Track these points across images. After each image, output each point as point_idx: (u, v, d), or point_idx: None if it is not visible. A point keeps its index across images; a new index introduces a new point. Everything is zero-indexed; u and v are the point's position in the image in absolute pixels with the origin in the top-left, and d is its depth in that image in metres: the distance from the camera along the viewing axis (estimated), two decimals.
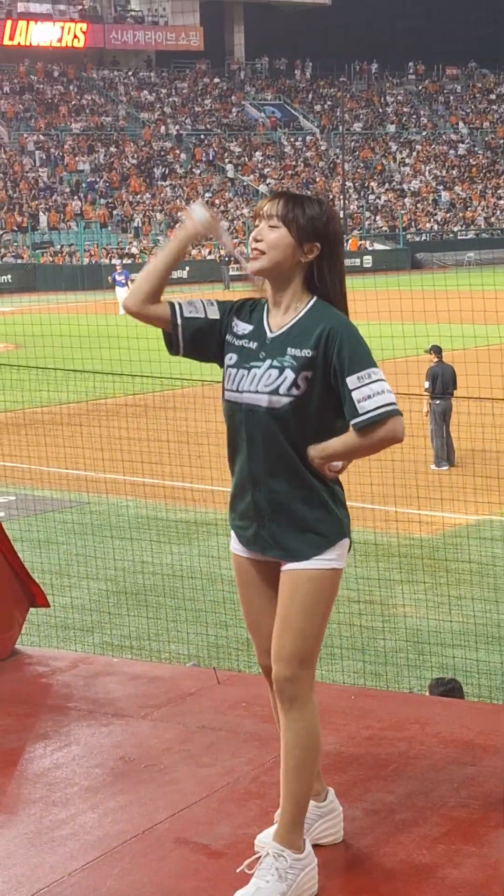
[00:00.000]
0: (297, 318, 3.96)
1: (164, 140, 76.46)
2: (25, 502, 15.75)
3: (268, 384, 3.92)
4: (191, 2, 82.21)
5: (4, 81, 76.49)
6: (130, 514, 15.38)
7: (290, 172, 75.68)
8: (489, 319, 20.32)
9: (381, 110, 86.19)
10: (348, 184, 72.82)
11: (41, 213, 65.93)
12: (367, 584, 12.06)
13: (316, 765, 4.08)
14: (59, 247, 62.33)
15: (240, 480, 4.05)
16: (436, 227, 73.70)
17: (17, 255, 61.44)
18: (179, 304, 4.06)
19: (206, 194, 71.26)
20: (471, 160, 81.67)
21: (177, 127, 77.86)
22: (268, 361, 3.94)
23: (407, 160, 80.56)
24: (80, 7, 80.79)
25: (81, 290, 52.13)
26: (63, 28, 78.37)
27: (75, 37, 78.83)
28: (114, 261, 53.39)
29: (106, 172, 71.44)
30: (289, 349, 3.92)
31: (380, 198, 75.66)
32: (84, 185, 69.28)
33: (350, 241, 62.40)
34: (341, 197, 68.36)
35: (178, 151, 75.71)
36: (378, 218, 73.04)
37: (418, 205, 75.58)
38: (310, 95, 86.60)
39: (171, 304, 4.05)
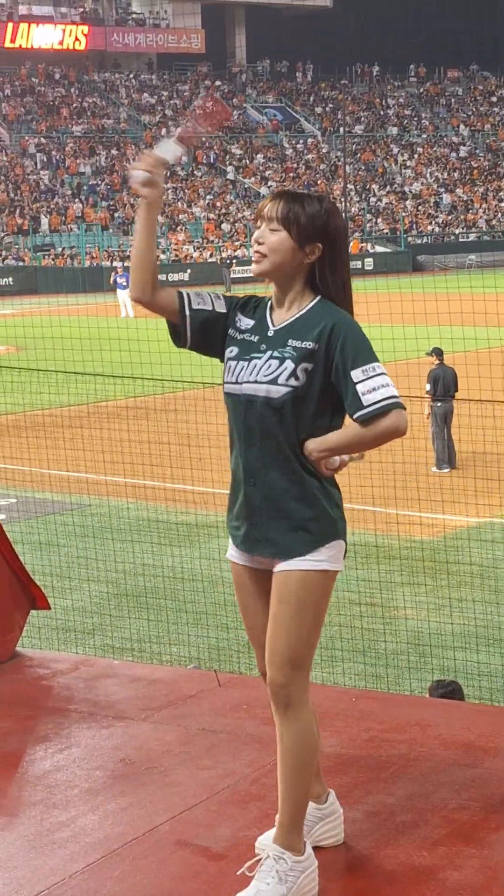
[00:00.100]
0: (299, 314, 3.97)
1: None
2: (26, 505, 15.75)
3: (267, 374, 3.92)
4: (192, 4, 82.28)
5: (6, 84, 76.53)
6: (131, 517, 15.38)
7: (291, 175, 75.71)
8: (490, 322, 20.33)
9: (382, 113, 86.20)
10: (349, 186, 72.83)
11: (42, 216, 65.96)
12: (368, 586, 12.06)
13: (313, 768, 4.06)
14: (60, 249, 62.36)
15: (235, 476, 4.04)
16: (437, 229, 73.70)
17: (18, 257, 61.46)
18: (188, 295, 4.07)
19: (208, 196, 71.31)
20: (472, 163, 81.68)
21: (178, 129, 77.86)
22: (268, 353, 3.95)
23: (408, 163, 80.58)
24: (82, 9, 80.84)
25: (83, 293, 52.15)
26: (64, 30, 78.40)
27: (76, 39, 78.86)
28: (115, 263, 53.39)
29: (107, 175, 71.47)
30: (290, 341, 3.92)
31: (381, 200, 75.68)
32: (85, 187, 69.31)
33: (351, 243, 62.38)
34: (342, 199, 68.34)
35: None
36: (379, 220, 73.05)
37: (420, 207, 75.58)
38: (311, 98, 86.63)
39: (180, 294, 4.05)
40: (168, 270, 56.78)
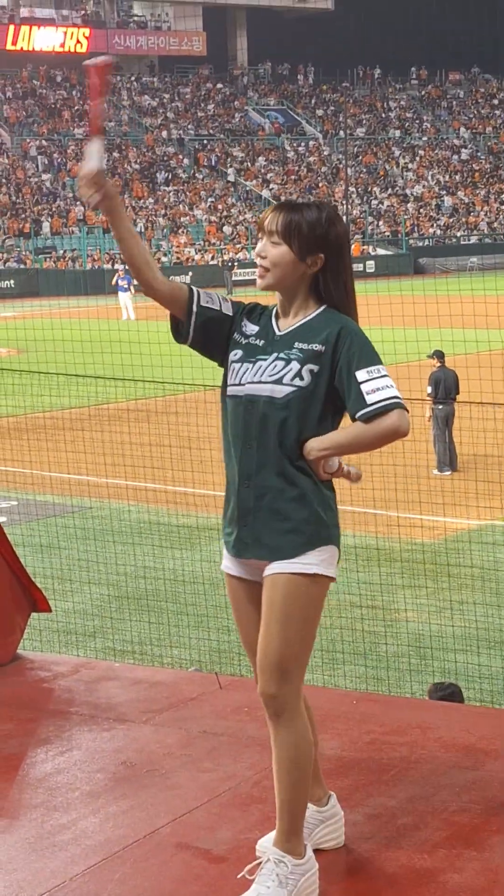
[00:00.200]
0: (304, 321, 3.99)
1: (166, 145, 76.56)
2: (28, 507, 15.76)
3: (272, 374, 3.93)
4: (194, 7, 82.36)
5: (7, 86, 76.61)
6: (132, 519, 15.38)
7: (292, 177, 75.75)
8: (491, 324, 20.34)
9: (383, 115, 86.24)
10: (351, 189, 72.87)
11: (44, 219, 65.98)
12: (369, 588, 12.06)
13: (309, 774, 4.03)
14: (61, 252, 62.39)
15: (230, 479, 4.04)
16: (438, 232, 73.73)
17: (20, 260, 61.49)
18: (198, 292, 4.06)
19: (209, 199, 71.34)
20: (473, 165, 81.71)
21: (179, 132, 77.94)
22: (274, 354, 3.97)
23: (410, 165, 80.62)
24: (83, 12, 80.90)
25: (84, 296, 52.14)
26: (66, 33, 78.44)
27: (78, 42, 78.88)
28: (116, 266, 53.39)
29: (109, 177, 71.28)
30: (296, 343, 3.94)
31: (382, 203, 75.71)
32: None
33: (353, 246, 62.38)
34: (344, 202, 68.39)
35: (180, 156, 75.80)
36: (381, 223, 73.07)
37: (421, 210, 75.61)
38: (312, 100, 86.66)
39: (190, 290, 4.05)
40: (170, 273, 56.74)
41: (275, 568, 3.93)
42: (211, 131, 79.24)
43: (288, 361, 3.92)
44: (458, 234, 73.29)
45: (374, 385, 3.83)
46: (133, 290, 42.94)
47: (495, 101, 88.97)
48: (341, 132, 77.91)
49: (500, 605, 11.75)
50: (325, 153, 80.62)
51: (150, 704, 5.75)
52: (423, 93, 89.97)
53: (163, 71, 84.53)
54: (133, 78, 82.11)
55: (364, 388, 3.83)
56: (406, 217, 72.86)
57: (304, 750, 3.98)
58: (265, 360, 3.97)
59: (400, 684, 10.16)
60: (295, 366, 3.91)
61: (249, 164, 76.54)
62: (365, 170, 79.11)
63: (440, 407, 17.89)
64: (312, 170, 78.00)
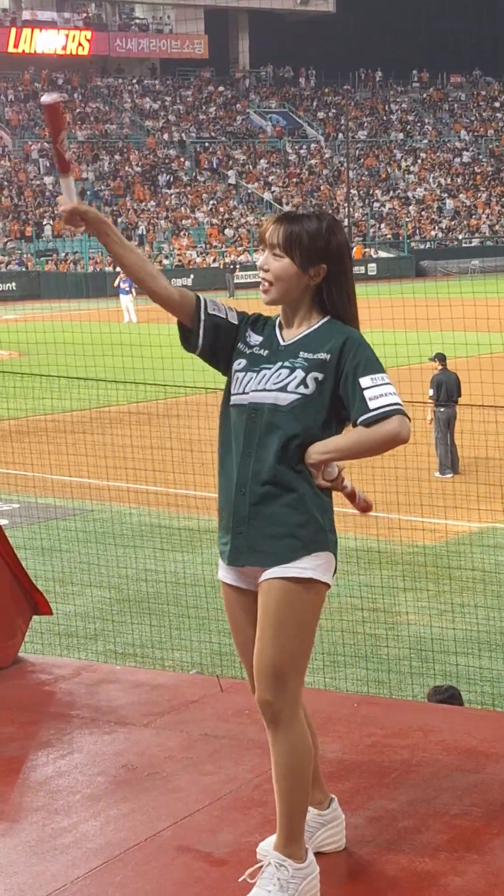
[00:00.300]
0: (309, 331, 4.03)
1: (168, 148, 76.57)
2: (29, 510, 15.76)
3: (277, 382, 3.95)
4: (195, 10, 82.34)
5: (9, 89, 76.63)
6: (134, 522, 15.39)
7: (294, 180, 75.76)
8: (493, 327, 20.36)
9: (385, 118, 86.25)
10: (353, 192, 72.85)
11: (46, 221, 66.00)
12: (370, 591, 12.06)
13: (308, 779, 4.03)
14: (63, 254, 62.42)
15: (224, 488, 4.04)
16: (440, 234, 73.72)
17: (21, 262, 61.52)
18: (205, 300, 4.09)
19: (211, 202, 71.35)
20: (475, 168, 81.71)
21: (181, 135, 77.95)
22: (279, 363, 3.99)
23: (411, 168, 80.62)
24: (85, 15, 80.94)
25: (85, 298, 52.18)
26: (67, 36, 78.49)
27: (80, 44, 78.95)
28: (118, 268, 53.37)
29: (110, 180, 71.54)
30: (301, 352, 3.97)
31: (384, 205, 75.71)
32: (89, 192, 69.34)
33: (354, 248, 62.39)
34: (346, 205, 68.42)
35: (182, 159, 75.81)
36: (382, 226, 73.07)
37: (423, 212, 75.61)
38: (314, 103, 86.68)
39: (198, 298, 4.07)
40: (171, 276, 56.75)
41: (269, 573, 3.93)
42: (212, 134, 79.26)
43: (293, 370, 3.95)
44: (460, 237, 73.28)
45: (377, 392, 3.87)
46: (135, 293, 42.92)
47: (497, 104, 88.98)
48: (343, 135, 77.89)
49: (502, 607, 11.75)
50: (327, 156, 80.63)
51: (152, 707, 5.75)
52: (424, 95, 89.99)
53: (164, 73, 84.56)
54: (135, 80, 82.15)
55: (367, 394, 3.86)
56: (408, 220, 72.86)
57: (302, 755, 3.97)
58: (269, 368, 3.99)
59: (401, 687, 10.15)
60: (300, 374, 3.93)
61: (251, 166, 76.55)
62: (366, 172, 79.12)
63: (442, 410, 17.89)
64: (314, 172, 78.02)
